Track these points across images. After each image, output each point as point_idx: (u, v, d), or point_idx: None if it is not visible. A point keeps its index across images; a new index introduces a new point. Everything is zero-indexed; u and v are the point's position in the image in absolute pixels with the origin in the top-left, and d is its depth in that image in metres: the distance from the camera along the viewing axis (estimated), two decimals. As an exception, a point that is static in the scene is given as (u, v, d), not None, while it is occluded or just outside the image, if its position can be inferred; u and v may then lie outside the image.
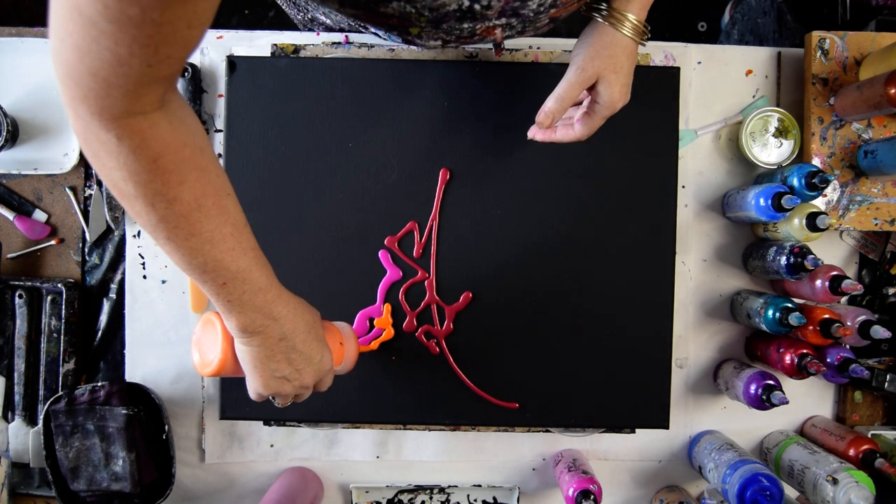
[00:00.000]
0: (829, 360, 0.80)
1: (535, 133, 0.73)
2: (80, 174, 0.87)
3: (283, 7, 0.90)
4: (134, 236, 0.87)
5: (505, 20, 0.62)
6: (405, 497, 0.90)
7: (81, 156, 0.85)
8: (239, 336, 0.59)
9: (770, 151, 0.86)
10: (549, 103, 0.66)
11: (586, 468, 0.82)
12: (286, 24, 0.95)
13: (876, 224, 0.84)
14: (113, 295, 0.88)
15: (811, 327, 0.78)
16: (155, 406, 0.83)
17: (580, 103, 0.72)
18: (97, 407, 0.81)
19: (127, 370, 0.88)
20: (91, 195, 0.87)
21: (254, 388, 0.62)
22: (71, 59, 0.41)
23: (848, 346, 0.84)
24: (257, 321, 0.57)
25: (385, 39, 0.72)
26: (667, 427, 0.83)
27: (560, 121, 0.71)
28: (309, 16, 0.88)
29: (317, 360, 0.63)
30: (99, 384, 0.82)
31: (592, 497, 0.77)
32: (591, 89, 0.67)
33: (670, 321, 0.83)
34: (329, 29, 0.89)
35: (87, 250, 0.88)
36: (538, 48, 0.87)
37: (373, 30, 0.71)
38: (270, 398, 0.63)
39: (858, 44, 0.85)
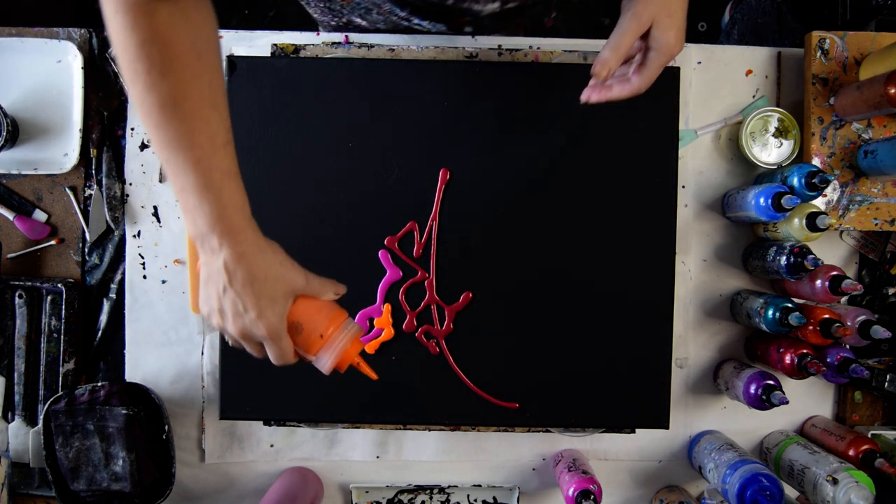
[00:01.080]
0: (829, 360, 0.80)
1: (589, 94, 0.69)
2: (80, 174, 0.87)
3: (315, 15, 0.90)
4: (134, 236, 0.87)
5: None
6: (405, 497, 0.90)
7: (81, 156, 0.85)
8: (193, 239, 0.57)
9: (770, 151, 0.86)
10: (605, 53, 0.63)
11: (586, 468, 0.82)
12: (286, 24, 0.95)
13: (876, 224, 0.84)
14: (113, 295, 0.88)
15: (811, 327, 0.78)
16: (155, 406, 0.83)
17: (630, 62, 0.69)
18: (97, 407, 0.81)
19: (127, 370, 0.88)
20: (91, 195, 0.87)
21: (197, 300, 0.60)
22: None
23: (848, 346, 0.84)
24: (203, 240, 0.56)
25: (430, 30, 0.69)
26: (667, 427, 0.83)
27: (613, 78, 0.68)
28: (344, 20, 0.87)
29: (248, 316, 0.57)
30: (99, 384, 0.82)
31: (592, 497, 0.77)
32: (645, 38, 0.64)
33: (670, 321, 0.83)
34: (363, 31, 0.88)
35: (87, 250, 0.88)
36: (538, 48, 0.87)
37: (416, 21, 0.68)
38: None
39: (858, 44, 0.84)
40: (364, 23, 0.85)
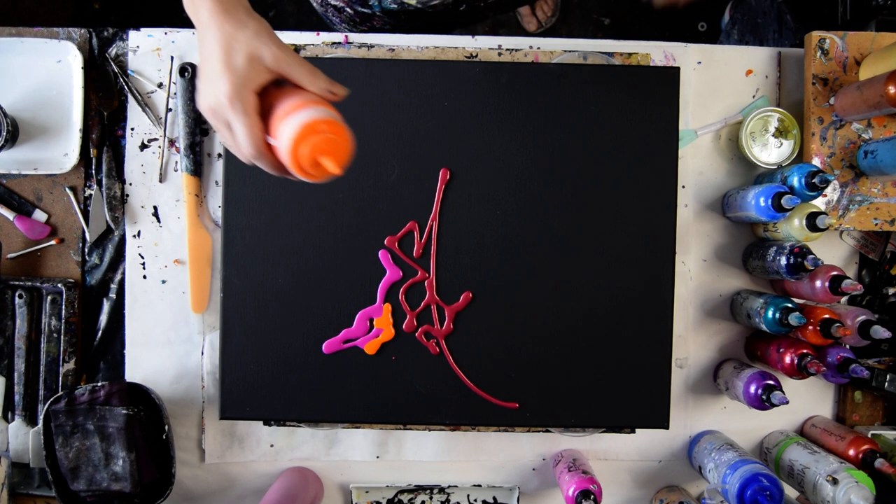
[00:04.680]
0: (829, 360, 0.80)
1: None
2: (80, 174, 0.87)
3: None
4: (134, 236, 0.87)
5: None
6: (405, 497, 0.90)
7: (81, 156, 0.85)
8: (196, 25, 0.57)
9: (770, 151, 0.86)
10: None
11: (586, 468, 0.82)
12: (286, 24, 0.95)
13: (876, 224, 0.84)
14: (113, 295, 0.88)
15: (811, 327, 0.78)
16: (155, 406, 0.83)
17: None
18: (97, 407, 0.81)
19: (127, 370, 0.88)
20: (91, 195, 0.87)
21: None
22: None
23: (848, 346, 0.84)
24: (189, 9, 0.56)
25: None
26: (667, 427, 0.83)
27: None
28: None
29: (211, 81, 0.55)
30: (99, 384, 0.82)
31: (592, 497, 0.77)
32: None
33: (670, 321, 0.83)
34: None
35: (87, 250, 0.88)
36: (538, 48, 0.87)
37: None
38: None
39: (858, 44, 0.84)
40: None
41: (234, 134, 0.56)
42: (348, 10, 0.88)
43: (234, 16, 0.55)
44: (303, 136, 0.53)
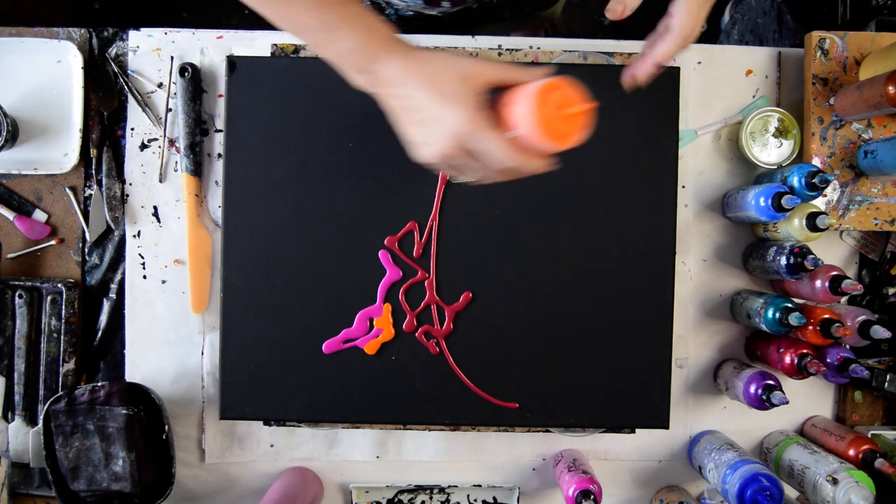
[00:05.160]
0: (829, 360, 0.80)
1: (628, 76, 0.66)
2: (80, 174, 0.87)
3: None
4: (134, 236, 0.87)
5: None
6: (405, 497, 0.90)
7: (81, 156, 0.85)
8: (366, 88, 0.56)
9: (770, 151, 0.86)
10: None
11: (586, 468, 0.82)
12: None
13: (876, 224, 0.84)
14: (113, 295, 0.88)
15: (811, 327, 0.78)
16: (155, 406, 0.83)
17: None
18: (97, 407, 0.81)
19: (127, 370, 0.88)
20: (91, 195, 0.87)
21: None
22: None
23: (848, 346, 0.84)
24: (366, 81, 0.55)
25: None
26: (667, 427, 0.83)
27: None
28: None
29: (437, 122, 0.54)
30: (99, 384, 0.82)
31: (592, 497, 0.77)
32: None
33: (670, 321, 0.82)
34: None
35: (87, 250, 0.88)
36: (538, 48, 0.87)
37: None
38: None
39: (858, 44, 0.84)
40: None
41: (481, 155, 0.55)
42: None
43: (417, 56, 0.55)
44: (542, 101, 0.53)
